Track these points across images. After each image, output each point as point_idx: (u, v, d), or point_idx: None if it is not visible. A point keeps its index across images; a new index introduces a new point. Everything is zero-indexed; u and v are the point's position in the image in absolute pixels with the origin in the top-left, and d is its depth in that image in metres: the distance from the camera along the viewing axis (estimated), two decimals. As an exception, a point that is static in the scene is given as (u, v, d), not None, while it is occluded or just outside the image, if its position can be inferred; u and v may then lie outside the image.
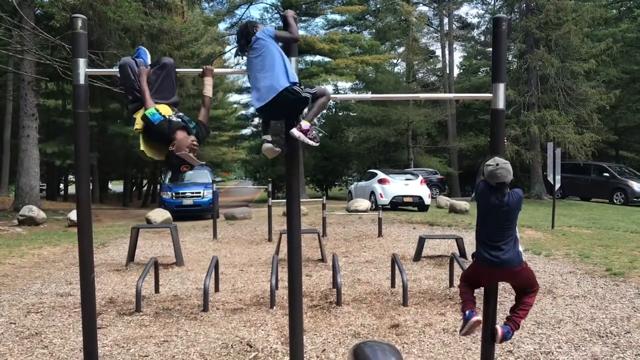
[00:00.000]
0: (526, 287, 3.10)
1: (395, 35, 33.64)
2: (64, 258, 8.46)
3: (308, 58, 29.51)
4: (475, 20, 45.54)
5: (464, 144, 29.33)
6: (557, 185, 12.21)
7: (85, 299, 3.07)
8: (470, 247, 6.65)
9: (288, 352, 3.20)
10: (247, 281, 6.69)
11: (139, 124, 3.00)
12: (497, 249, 2.93)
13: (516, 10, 24.12)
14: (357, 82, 33.68)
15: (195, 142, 2.99)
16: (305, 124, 2.88)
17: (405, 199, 16.34)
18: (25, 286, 6.43)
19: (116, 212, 21.95)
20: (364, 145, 31.52)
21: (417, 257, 7.97)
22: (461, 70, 41.26)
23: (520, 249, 3.03)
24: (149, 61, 3.31)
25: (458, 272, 5.72)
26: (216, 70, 3.15)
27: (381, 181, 16.85)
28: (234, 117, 42.44)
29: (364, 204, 15.32)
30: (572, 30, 20.41)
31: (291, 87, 2.82)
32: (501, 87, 3.05)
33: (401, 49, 35.17)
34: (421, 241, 8.03)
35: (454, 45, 35.49)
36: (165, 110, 3.02)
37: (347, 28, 34.33)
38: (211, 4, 27.49)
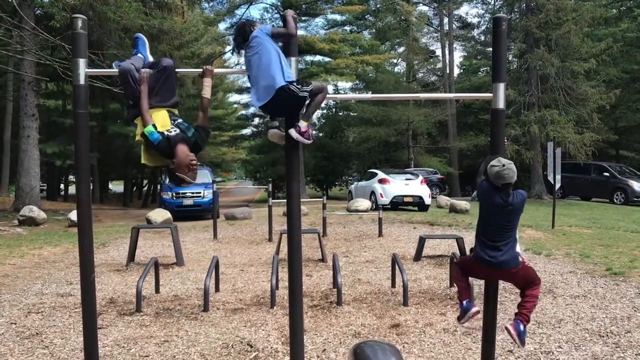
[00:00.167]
0: (526, 285, 3.10)
1: (395, 35, 33.64)
2: (65, 258, 8.46)
3: (308, 58, 29.53)
4: (475, 20, 45.57)
5: (464, 143, 29.34)
6: (558, 185, 12.20)
7: (86, 299, 3.07)
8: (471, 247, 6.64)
9: (288, 352, 3.20)
10: (247, 281, 6.69)
11: (139, 137, 3.04)
12: (496, 249, 2.93)
13: (516, 10, 24.12)
14: (357, 82, 33.68)
15: (193, 161, 3.02)
16: (303, 125, 2.87)
17: (406, 199, 16.34)
18: (25, 286, 6.43)
19: (116, 212, 21.95)
20: (364, 145, 31.51)
21: (418, 257, 7.97)
22: (461, 70, 41.27)
23: (520, 249, 3.03)
24: (148, 52, 3.29)
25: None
26: (216, 70, 3.14)
27: (381, 181, 16.85)
28: (234, 117, 42.46)
29: (364, 203, 15.32)
30: (572, 29, 20.41)
31: (287, 86, 2.80)
32: (501, 86, 3.05)
33: (401, 49, 35.18)
34: (421, 241, 8.03)
35: (454, 45, 35.53)
36: (163, 121, 3.02)
37: (347, 28, 34.35)
38: (211, 4, 27.53)
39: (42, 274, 7.23)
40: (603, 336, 4.42)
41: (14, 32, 14.67)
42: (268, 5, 28.57)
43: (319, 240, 8.44)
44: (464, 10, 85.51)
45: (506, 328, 3.06)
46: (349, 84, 34.34)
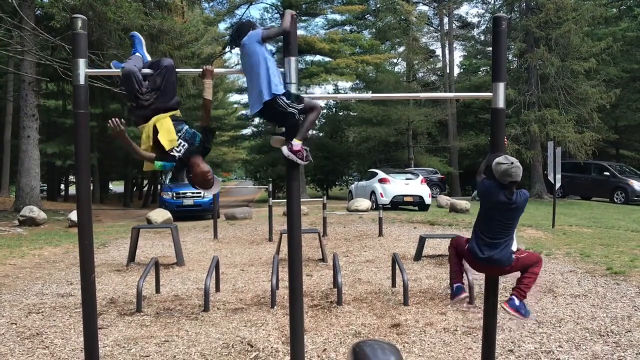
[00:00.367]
0: (527, 269, 3.08)
1: (395, 35, 33.60)
2: (65, 258, 8.46)
3: (308, 58, 29.52)
4: (475, 20, 45.61)
5: (464, 143, 29.34)
6: (558, 185, 12.20)
7: (86, 299, 3.07)
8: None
9: (289, 351, 3.20)
10: (247, 281, 6.70)
11: (149, 168, 3.17)
12: (492, 247, 2.93)
13: (516, 9, 24.12)
14: (357, 81, 33.66)
15: (209, 174, 3.15)
16: (296, 144, 2.85)
17: (406, 199, 16.34)
18: (26, 287, 6.43)
19: (117, 212, 21.95)
20: (365, 145, 31.50)
21: (418, 256, 7.97)
22: (461, 70, 41.24)
23: (515, 247, 3.03)
24: (144, 50, 3.30)
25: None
26: (216, 70, 3.13)
27: (382, 181, 16.85)
28: (234, 117, 42.48)
29: (364, 203, 15.32)
30: (572, 29, 20.40)
31: (274, 100, 2.77)
32: (501, 86, 3.05)
33: (401, 49, 35.13)
34: (422, 240, 8.03)
35: (454, 45, 35.50)
36: (169, 134, 3.06)
37: (347, 28, 34.34)
38: (211, 4, 27.49)
39: (43, 274, 7.23)
40: (603, 335, 4.42)
41: (14, 33, 14.66)
42: (268, 5, 28.60)
43: (319, 240, 8.44)
44: (464, 9, 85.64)
45: (502, 308, 3.06)
46: (349, 84, 34.36)
